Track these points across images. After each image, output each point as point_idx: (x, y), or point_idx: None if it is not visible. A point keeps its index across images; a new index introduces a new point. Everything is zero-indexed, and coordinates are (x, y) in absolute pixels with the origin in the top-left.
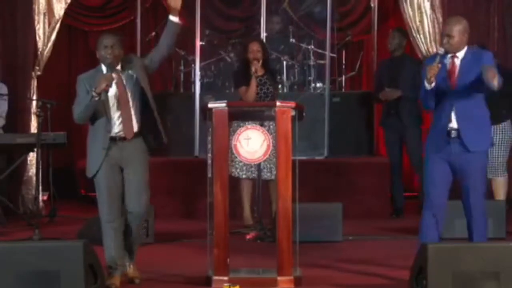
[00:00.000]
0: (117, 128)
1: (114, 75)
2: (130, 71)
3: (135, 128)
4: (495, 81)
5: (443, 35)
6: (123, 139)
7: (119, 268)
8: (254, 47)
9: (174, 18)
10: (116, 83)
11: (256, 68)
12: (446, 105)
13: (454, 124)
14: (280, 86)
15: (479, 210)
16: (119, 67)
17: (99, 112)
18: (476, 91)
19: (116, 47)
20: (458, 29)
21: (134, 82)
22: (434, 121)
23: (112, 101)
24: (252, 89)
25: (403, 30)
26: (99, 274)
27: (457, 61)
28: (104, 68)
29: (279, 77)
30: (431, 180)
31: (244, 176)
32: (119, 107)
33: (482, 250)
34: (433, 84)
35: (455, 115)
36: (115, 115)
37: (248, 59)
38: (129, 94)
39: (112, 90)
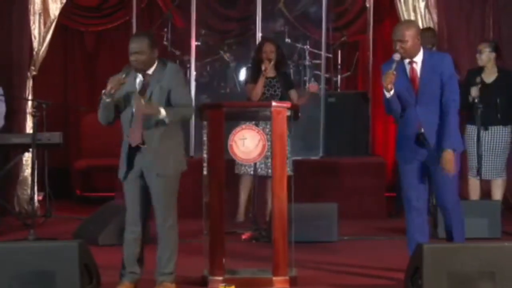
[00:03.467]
0: None
1: (126, 78)
2: (157, 77)
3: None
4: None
5: (395, 41)
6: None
7: (128, 274)
8: (268, 48)
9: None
10: (139, 86)
11: (266, 67)
12: (411, 112)
13: (421, 130)
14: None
15: (455, 211)
16: (150, 71)
17: (126, 116)
18: (438, 97)
19: (143, 53)
20: (409, 33)
21: (154, 89)
22: (402, 127)
23: (134, 107)
24: (259, 88)
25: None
26: (95, 274)
27: (416, 66)
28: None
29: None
30: (409, 184)
31: (247, 172)
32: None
33: (478, 250)
34: (392, 92)
35: (421, 122)
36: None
37: (260, 58)
38: (143, 101)
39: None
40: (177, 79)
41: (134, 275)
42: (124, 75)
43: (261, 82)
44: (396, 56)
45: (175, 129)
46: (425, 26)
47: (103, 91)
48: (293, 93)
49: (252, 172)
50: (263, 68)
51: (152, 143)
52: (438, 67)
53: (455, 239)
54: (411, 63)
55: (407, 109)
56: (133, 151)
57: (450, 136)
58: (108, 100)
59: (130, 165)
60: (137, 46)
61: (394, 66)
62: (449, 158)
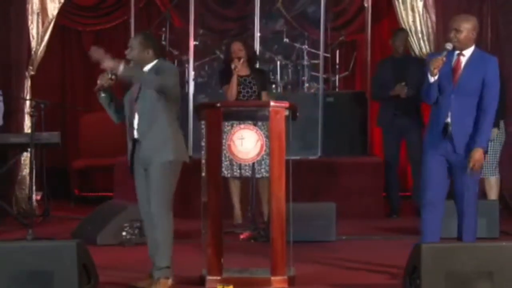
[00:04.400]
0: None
1: (113, 76)
2: (154, 74)
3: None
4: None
5: (451, 29)
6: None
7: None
8: (236, 46)
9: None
10: (136, 84)
11: (236, 65)
12: (444, 102)
13: (449, 119)
14: (274, 85)
15: (470, 210)
16: (148, 67)
17: (125, 112)
18: (474, 95)
19: (133, 48)
20: (466, 25)
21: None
22: (432, 117)
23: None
24: (233, 88)
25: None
26: (93, 274)
27: (463, 59)
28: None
29: (272, 77)
30: (429, 178)
31: (228, 175)
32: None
33: (476, 250)
34: (436, 77)
35: (451, 112)
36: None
37: (230, 58)
38: (145, 96)
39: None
40: (166, 71)
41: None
42: (111, 71)
43: (234, 81)
44: (448, 45)
45: (171, 118)
46: (423, 25)
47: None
48: (264, 96)
49: (234, 174)
50: (233, 67)
51: (148, 138)
52: (483, 67)
53: (465, 239)
54: (459, 55)
55: (442, 96)
56: (134, 144)
57: (482, 134)
58: (103, 95)
59: (133, 158)
60: (130, 41)
61: (444, 53)
62: (479, 157)
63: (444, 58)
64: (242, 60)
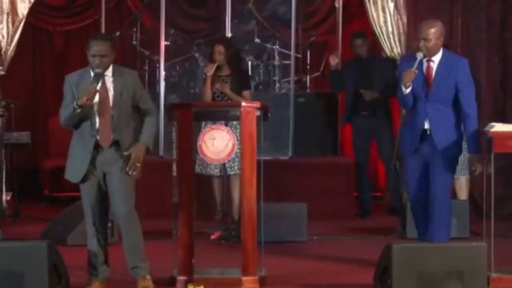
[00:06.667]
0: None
1: (98, 87)
2: (119, 81)
3: (113, 136)
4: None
5: (419, 38)
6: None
7: (101, 273)
8: (217, 48)
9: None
10: (100, 89)
11: (208, 70)
12: (421, 108)
13: (427, 126)
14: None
15: (442, 210)
16: (109, 72)
17: (85, 116)
18: (448, 102)
19: (107, 55)
20: (434, 32)
21: (120, 92)
22: (409, 123)
23: (96, 107)
24: (206, 90)
25: (365, 33)
26: (63, 274)
27: (433, 65)
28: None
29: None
30: (410, 180)
31: (213, 173)
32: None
33: (446, 250)
34: (409, 89)
35: (428, 119)
36: (98, 121)
37: (213, 60)
38: (111, 102)
39: (96, 96)
40: (140, 85)
41: (106, 273)
42: (96, 84)
43: (207, 84)
44: (419, 55)
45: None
46: (394, 26)
47: (77, 101)
48: (245, 95)
49: (219, 173)
50: (205, 70)
51: (124, 142)
52: (453, 71)
53: (436, 239)
54: (428, 61)
55: (417, 104)
56: (95, 151)
57: (472, 140)
58: (78, 110)
59: (90, 165)
60: (103, 49)
61: (416, 64)
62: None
63: (417, 71)
64: (215, 65)
